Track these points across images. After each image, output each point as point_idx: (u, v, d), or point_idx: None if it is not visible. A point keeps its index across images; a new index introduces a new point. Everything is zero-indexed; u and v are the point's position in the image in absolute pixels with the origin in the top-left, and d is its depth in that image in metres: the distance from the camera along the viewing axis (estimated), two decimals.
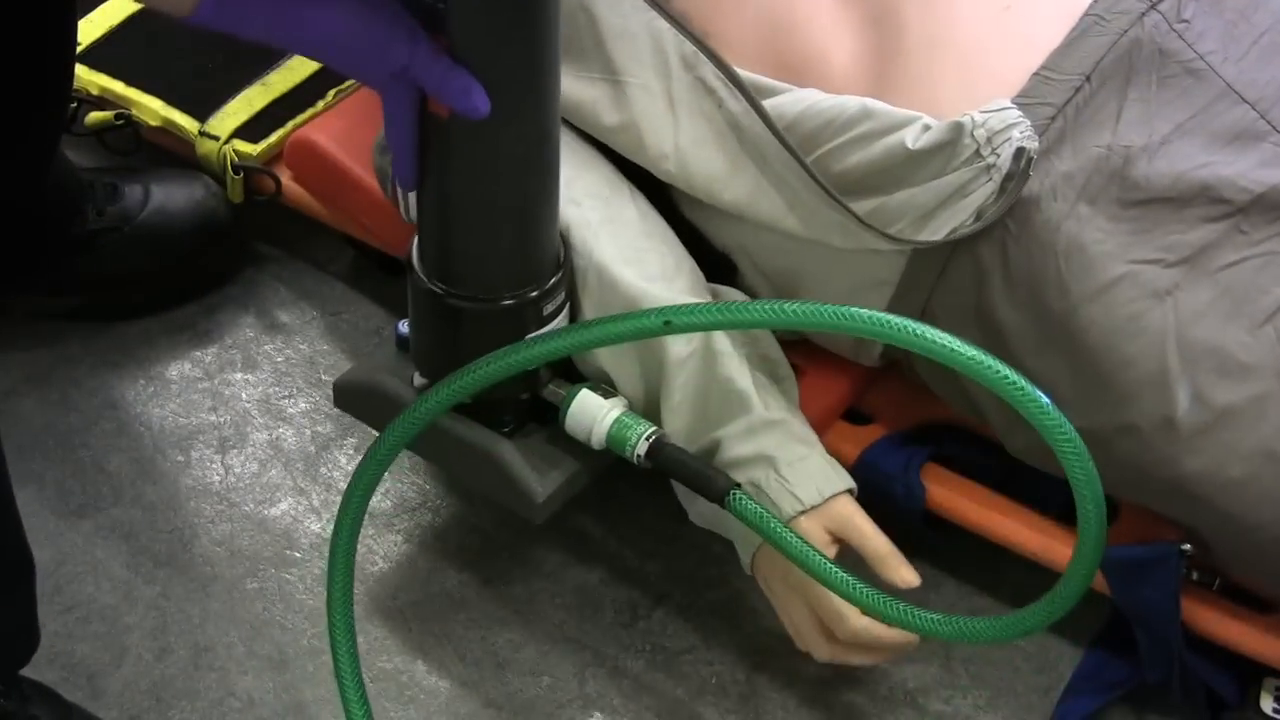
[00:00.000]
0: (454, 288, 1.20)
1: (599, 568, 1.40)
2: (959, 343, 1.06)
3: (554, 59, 1.12)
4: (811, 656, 1.27)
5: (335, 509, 1.43)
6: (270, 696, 1.33)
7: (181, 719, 1.32)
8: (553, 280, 1.22)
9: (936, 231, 1.21)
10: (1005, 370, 1.05)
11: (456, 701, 1.33)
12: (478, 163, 1.14)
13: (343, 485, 1.45)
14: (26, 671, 1.32)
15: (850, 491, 1.26)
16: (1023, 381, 1.05)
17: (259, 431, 1.50)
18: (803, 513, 1.23)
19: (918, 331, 1.07)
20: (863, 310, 1.09)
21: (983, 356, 1.06)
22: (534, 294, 1.21)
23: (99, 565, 1.41)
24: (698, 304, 1.18)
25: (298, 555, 1.42)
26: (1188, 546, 1.24)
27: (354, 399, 1.34)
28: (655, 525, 1.42)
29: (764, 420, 1.26)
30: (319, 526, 1.44)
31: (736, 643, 1.35)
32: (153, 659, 1.35)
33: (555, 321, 1.24)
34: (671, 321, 1.14)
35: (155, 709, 1.32)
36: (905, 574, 1.23)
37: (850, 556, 1.24)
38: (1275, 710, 1.23)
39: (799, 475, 1.24)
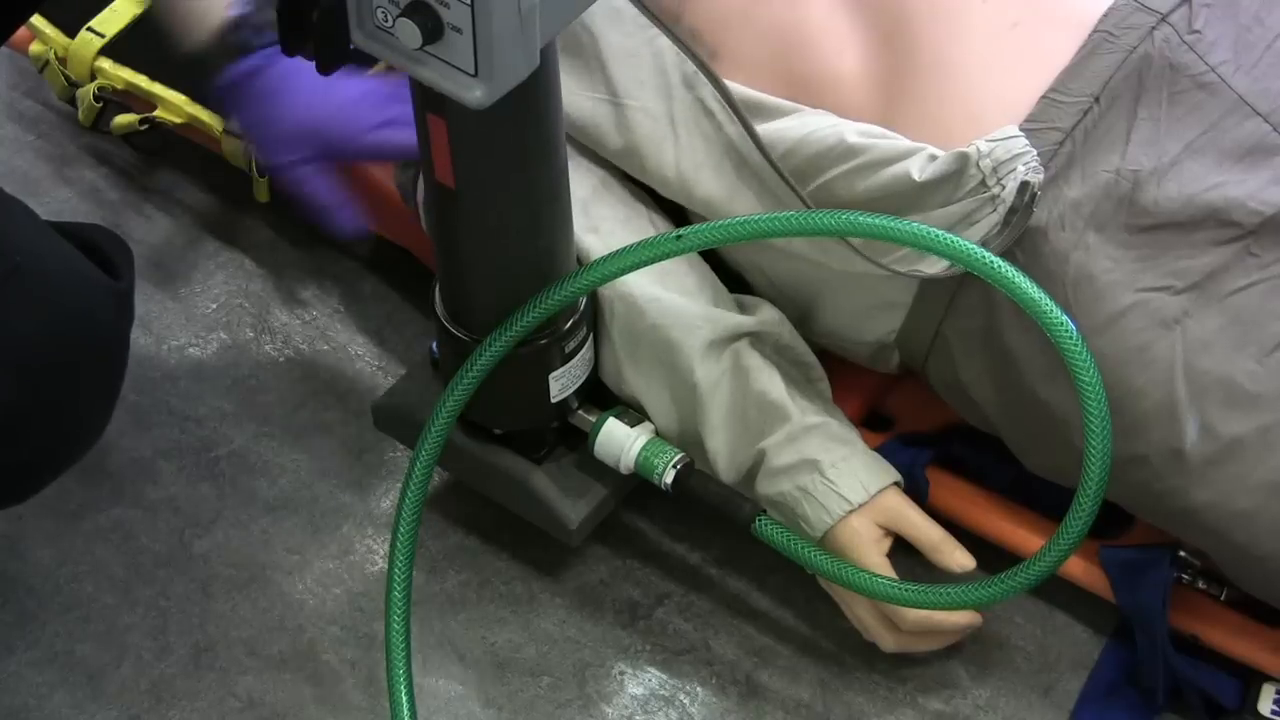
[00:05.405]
0: (476, 334, 1.23)
1: (599, 568, 1.40)
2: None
3: (557, 123, 1.13)
4: (879, 648, 1.30)
5: None
6: (270, 696, 1.33)
7: (181, 719, 1.32)
8: (571, 321, 1.25)
9: (937, 263, 1.21)
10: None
11: (456, 701, 1.33)
12: (487, 228, 1.17)
13: None
14: (27, 674, 1.33)
15: (897, 484, 1.29)
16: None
17: (259, 432, 1.50)
18: (851, 511, 1.26)
19: (938, 238, 1.14)
20: (869, 216, 1.15)
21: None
22: (555, 336, 1.24)
23: (99, 565, 1.41)
24: (712, 223, 1.20)
25: (296, 557, 1.42)
26: (1183, 552, 1.24)
27: (391, 421, 1.39)
28: (655, 525, 1.42)
29: (803, 426, 1.27)
30: None
31: (736, 643, 1.35)
32: (153, 659, 1.35)
33: (577, 356, 1.27)
34: (684, 236, 1.18)
35: (155, 709, 1.32)
36: (960, 558, 1.26)
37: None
38: (1274, 712, 1.23)
39: (843, 475, 1.26)
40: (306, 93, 1.28)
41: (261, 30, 1.28)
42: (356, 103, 1.30)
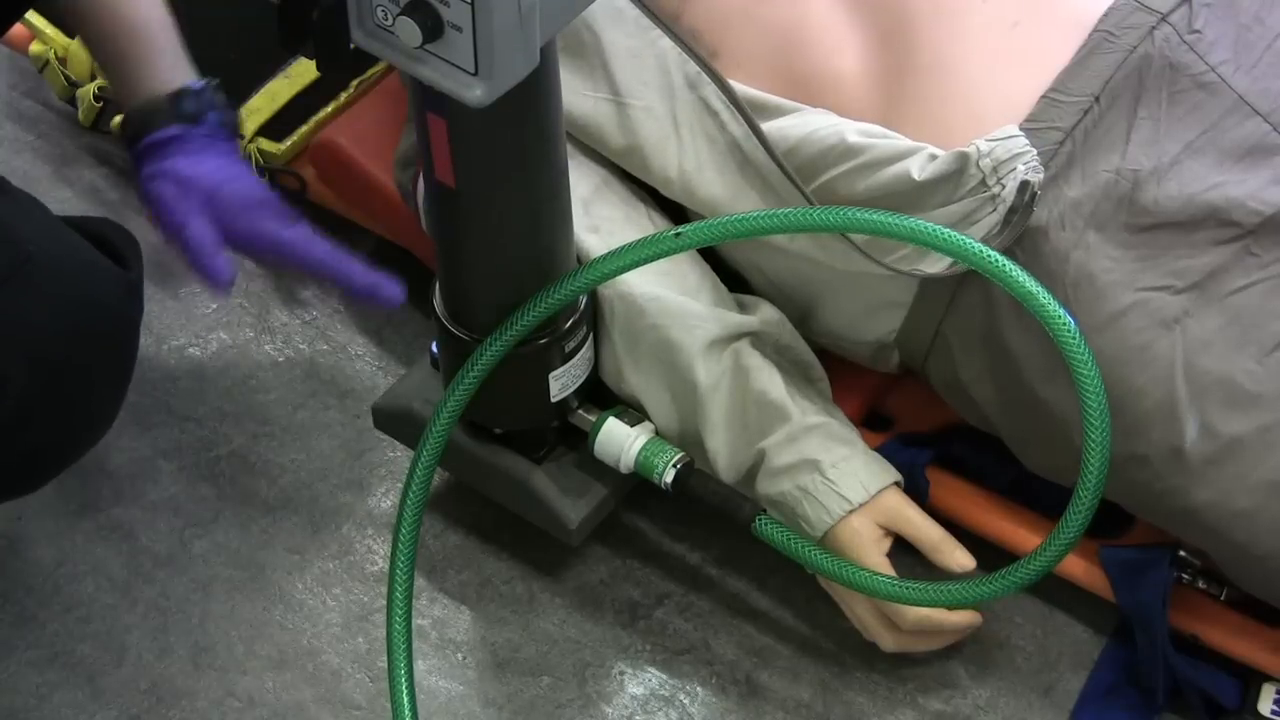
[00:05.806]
0: (476, 334, 1.23)
1: (599, 568, 1.40)
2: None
3: (557, 122, 1.13)
4: (879, 648, 1.30)
5: None
6: (270, 696, 1.33)
7: (181, 719, 1.32)
8: (571, 321, 1.25)
9: (938, 262, 1.21)
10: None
11: (456, 701, 1.33)
12: (488, 228, 1.17)
13: None
14: (27, 674, 1.33)
15: (897, 484, 1.29)
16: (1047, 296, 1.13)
17: (259, 432, 1.50)
18: (851, 511, 1.26)
19: (926, 229, 1.15)
20: (869, 212, 1.16)
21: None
22: (555, 336, 1.24)
23: (99, 565, 1.41)
24: (712, 220, 1.20)
25: (296, 557, 1.42)
26: (1183, 552, 1.24)
27: (391, 421, 1.39)
28: (656, 525, 1.42)
29: (804, 426, 1.28)
30: None
31: (736, 643, 1.35)
32: (153, 659, 1.35)
33: (577, 356, 1.27)
34: (684, 234, 1.19)
35: (155, 709, 1.32)
36: (960, 558, 1.27)
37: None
38: (1274, 713, 1.23)
39: (843, 475, 1.26)
40: (218, 160, 1.32)
41: (213, 107, 1.33)
42: (252, 188, 1.33)
